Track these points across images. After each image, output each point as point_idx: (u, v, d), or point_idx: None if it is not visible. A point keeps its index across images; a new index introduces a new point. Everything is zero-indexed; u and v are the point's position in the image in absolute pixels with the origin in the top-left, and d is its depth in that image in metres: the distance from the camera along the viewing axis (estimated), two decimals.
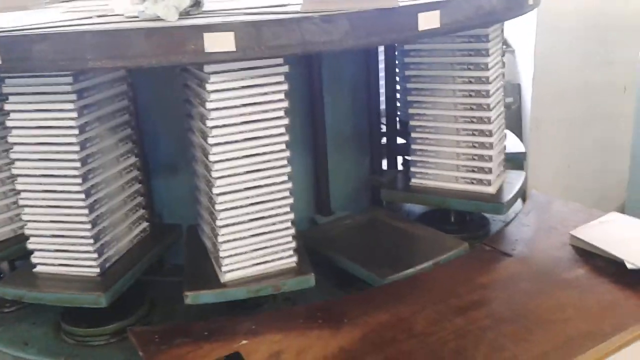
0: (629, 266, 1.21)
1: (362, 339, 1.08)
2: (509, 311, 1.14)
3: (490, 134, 1.42)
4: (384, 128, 1.70)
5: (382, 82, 1.68)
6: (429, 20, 1.12)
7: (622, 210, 2.39)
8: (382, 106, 1.69)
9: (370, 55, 1.60)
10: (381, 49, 1.67)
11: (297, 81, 1.47)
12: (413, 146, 1.52)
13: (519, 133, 2.64)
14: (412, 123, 1.51)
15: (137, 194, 1.36)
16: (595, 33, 2.55)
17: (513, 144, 1.77)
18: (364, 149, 1.65)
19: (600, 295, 1.17)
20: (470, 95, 1.41)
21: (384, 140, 1.70)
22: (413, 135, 1.51)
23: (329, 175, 1.55)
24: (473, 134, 1.43)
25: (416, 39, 1.41)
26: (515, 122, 2.63)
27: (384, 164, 1.70)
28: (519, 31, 2.53)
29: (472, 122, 1.43)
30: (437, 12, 1.12)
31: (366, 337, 1.09)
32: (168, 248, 1.40)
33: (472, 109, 1.42)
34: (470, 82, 1.41)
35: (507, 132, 1.62)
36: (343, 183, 1.61)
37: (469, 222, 1.55)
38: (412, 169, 1.53)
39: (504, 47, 1.57)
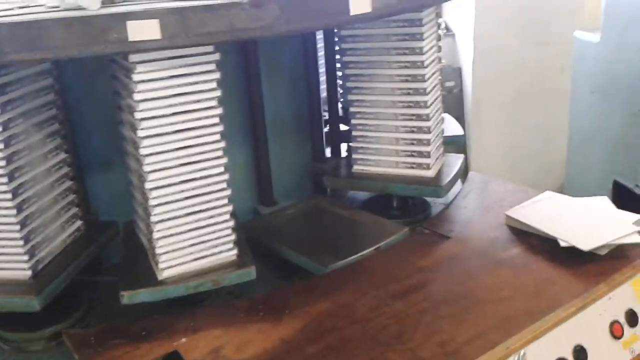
0: (561, 244, 1.24)
1: (303, 329, 1.07)
2: (446, 293, 1.15)
3: (427, 118, 1.42)
4: (326, 115, 1.69)
5: (324, 69, 1.67)
6: (360, 4, 1.11)
7: (562, 189, 2.47)
8: (325, 93, 1.68)
9: (308, 42, 1.59)
10: (321, 35, 1.66)
11: (233, 69, 1.45)
12: (354, 132, 1.52)
13: (461, 116, 2.68)
14: (351, 109, 1.50)
15: (69, 191, 1.30)
16: (531, 14, 2.61)
17: (452, 127, 1.79)
18: (306, 137, 1.64)
19: (536, 274, 1.19)
20: (407, 80, 1.42)
21: (327, 128, 1.69)
22: (353, 121, 1.51)
23: (271, 165, 1.53)
24: (411, 119, 1.44)
25: (349, 24, 1.40)
26: (457, 106, 2.67)
27: (328, 152, 1.69)
28: (459, 15, 2.56)
29: (410, 106, 1.43)
30: None
31: (307, 326, 1.08)
32: (105, 247, 1.35)
33: (409, 93, 1.42)
34: (407, 67, 1.41)
35: (446, 115, 1.63)
36: (285, 172, 1.59)
37: (411, 206, 1.57)
38: (354, 156, 1.53)
39: (445, 31, 1.58)
